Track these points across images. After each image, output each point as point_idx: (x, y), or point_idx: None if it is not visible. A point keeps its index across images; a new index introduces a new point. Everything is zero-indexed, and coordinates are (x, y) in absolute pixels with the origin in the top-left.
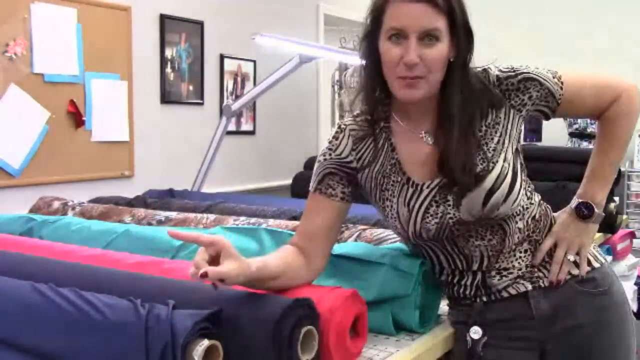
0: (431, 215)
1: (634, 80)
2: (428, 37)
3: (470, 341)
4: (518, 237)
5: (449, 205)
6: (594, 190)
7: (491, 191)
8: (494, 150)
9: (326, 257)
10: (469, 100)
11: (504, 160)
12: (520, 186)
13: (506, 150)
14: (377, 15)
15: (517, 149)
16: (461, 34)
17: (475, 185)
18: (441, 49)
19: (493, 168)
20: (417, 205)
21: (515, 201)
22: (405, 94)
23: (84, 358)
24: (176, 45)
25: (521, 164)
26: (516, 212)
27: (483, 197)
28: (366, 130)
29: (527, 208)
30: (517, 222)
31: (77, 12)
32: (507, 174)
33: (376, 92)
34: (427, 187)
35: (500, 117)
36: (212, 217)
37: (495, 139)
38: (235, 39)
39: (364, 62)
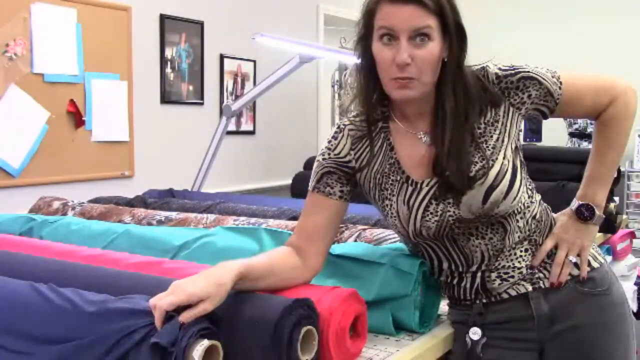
0: (431, 213)
1: (632, 81)
2: (419, 36)
3: (469, 342)
4: (518, 236)
5: (449, 203)
6: (594, 191)
7: (491, 188)
8: (493, 147)
9: (323, 257)
10: (463, 99)
11: (504, 158)
12: (521, 183)
13: (505, 148)
14: (368, 18)
15: (516, 146)
16: (453, 34)
17: (475, 183)
18: (432, 49)
19: (492, 165)
20: (416, 204)
21: (515, 198)
22: (399, 94)
23: (85, 358)
24: (176, 45)
25: (521, 161)
26: (517, 210)
27: (483, 194)
28: (364, 130)
29: (528, 206)
30: (517, 220)
31: (77, 12)
32: (506, 170)
33: (373, 93)
34: (427, 185)
35: (499, 115)
36: (212, 217)
37: (495, 137)
38: (235, 39)
39: (359, 63)
